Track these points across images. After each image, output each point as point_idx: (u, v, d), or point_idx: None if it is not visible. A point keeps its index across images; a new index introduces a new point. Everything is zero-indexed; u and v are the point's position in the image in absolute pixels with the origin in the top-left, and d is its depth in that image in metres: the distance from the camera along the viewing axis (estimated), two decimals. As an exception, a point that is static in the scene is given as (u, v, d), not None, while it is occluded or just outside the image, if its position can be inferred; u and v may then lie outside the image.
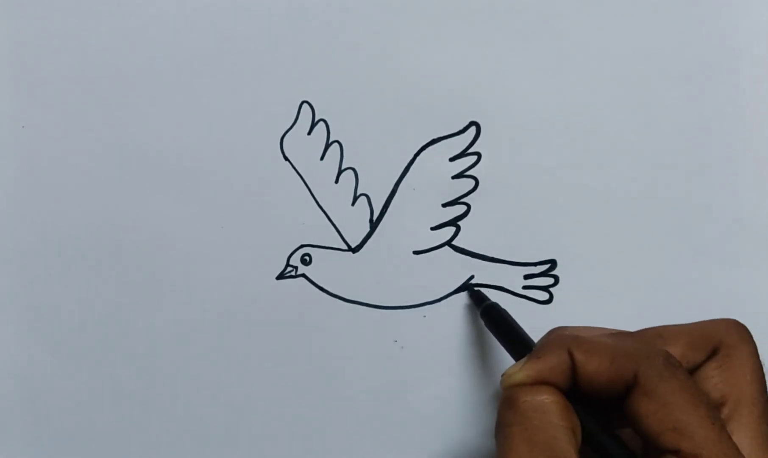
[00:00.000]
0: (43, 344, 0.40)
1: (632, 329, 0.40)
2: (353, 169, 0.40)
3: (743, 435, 0.31)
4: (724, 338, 0.33)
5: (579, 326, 0.36)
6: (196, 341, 0.40)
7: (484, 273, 0.40)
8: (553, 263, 0.40)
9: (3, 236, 0.40)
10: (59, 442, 0.40)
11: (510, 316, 0.38)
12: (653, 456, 0.30)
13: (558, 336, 0.33)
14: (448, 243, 0.40)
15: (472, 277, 0.40)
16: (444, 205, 0.40)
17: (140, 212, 0.40)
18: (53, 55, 0.40)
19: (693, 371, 0.33)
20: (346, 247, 0.40)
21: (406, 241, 0.40)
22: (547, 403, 0.31)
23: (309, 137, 0.40)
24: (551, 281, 0.40)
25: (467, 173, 0.40)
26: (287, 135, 0.40)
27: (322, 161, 0.40)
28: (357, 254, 0.40)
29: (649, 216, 0.40)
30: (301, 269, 0.40)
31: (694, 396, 0.30)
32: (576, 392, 0.32)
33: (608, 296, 0.40)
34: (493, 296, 0.40)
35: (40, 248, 0.40)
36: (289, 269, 0.40)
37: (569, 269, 0.40)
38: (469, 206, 0.40)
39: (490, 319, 0.38)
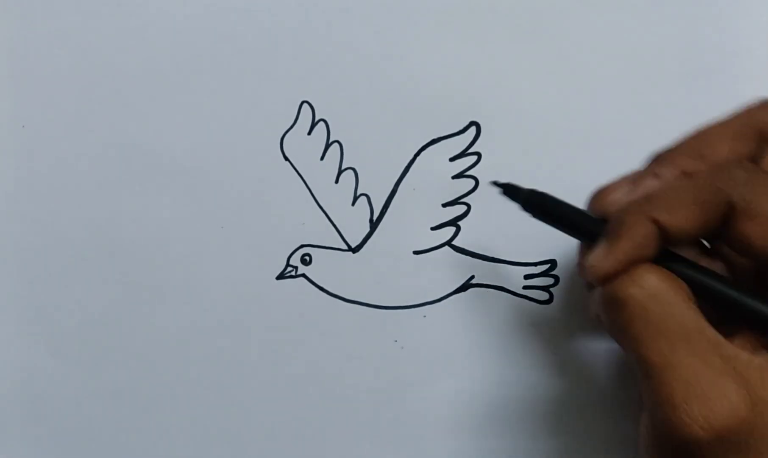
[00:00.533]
0: (43, 344, 0.40)
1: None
2: (353, 169, 0.40)
3: None
4: None
5: (617, 180, 0.32)
6: (196, 341, 0.40)
7: (484, 273, 0.40)
8: (553, 263, 0.40)
9: (3, 236, 0.40)
10: (59, 442, 0.40)
11: (554, 197, 0.34)
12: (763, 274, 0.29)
13: (632, 207, 0.30)
14: (448, 243, 0.40)
15: (472, 277, 0.40)
16: (444, 205, 0.40)
17: (140, 213, 0.40)
18: (53, 55, 0.40)
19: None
20: (346, 247, 0.40)
21: (406, 241, 0.40)
22: (656, 288, 0.29)
23: (309, 137, 0.40)
24: (551, 281, 0.40)
25: (467, 173, 0.40)
26: (287, 135, 0.40)
27: (322, 161, 0.40)
28: (357, 254, 0.40)
29: (649, 216, 0.40)
30: (301, 269, 0.40)
31: None
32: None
33: (608, 296, 0.40)
34: (493, 296, 0.40)
35: (40, 248, 0.40)
36: (289, 269, 0.40)
37: (569, 269, 0.40)
38: (469, 206, 0.40)
39: (536, 207, 0.34)
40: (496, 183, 0.35)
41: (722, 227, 0.29)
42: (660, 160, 0.32)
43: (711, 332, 0.28)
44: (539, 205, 0.34)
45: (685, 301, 0.29)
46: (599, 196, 0.33)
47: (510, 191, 0.35)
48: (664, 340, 0.28)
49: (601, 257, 0.30)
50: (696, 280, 0.30)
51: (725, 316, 0.30)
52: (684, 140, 0.32)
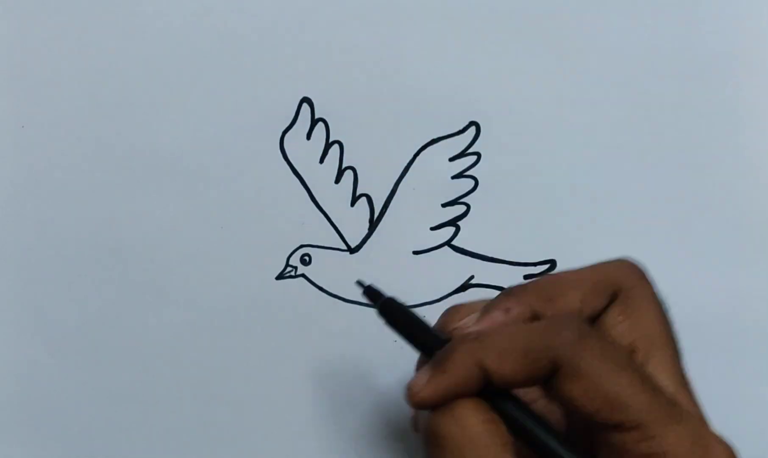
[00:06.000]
0: (43, 344, 0.40)
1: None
2: (353, 169, 0.40)
3: (662, 378, 0.30)
4: (622, 282, 0.31)
5: (476, 302, 0.32)
6: (196, 341, 0.40)
7: (484, 273, 0.40)
8: (553, 263, 0.40)
9: (3, 236, 0.40)
10: (59, 442, 0.40)
11: (410, 309, 0.34)
12: (594, 432, 0.29)
13: (462, 344, 0.30)
14: (448, 243, 0.40)
15: (472, 277, 0.40)
16: (444, 205, 0.40)
17: (140, 213, 0.40)
18: (53, 55, 0.40)
19: (596, 318, 0.31)
20: (345, 247, 0.40)
21: (405, 241, 0.40)
22: (473, 431, 0.29)
23: (309, 137, 0.40)
24: (551, 281, 0.40)
25: (467, 173, 0.40)
26: (287, 135, 0.40)
27: (321, 162, 0.40)
28: (356, 254, 0.40)
29: (649, 216, 0.40)
30: (301, 269, 0.40)
31: (617, 359, 0.28)
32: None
33: (608, 296, 0.40)
34: (492, 296, 0.40)
35: (40, 248, 0.40)
36: (289, 269, 0.40)
37: (569, 269, 0.40)
38: (469, 206, 0.40)
39: (389, 315, 0.34)
40: (360, 283, 0.35)
41: (549, 380, 0.29)
42: (510, 294, 0.32)
43: None
44: (392, 313, 0.34)
45: (501, 446, 0.29)
46: (449, 315, 0.33)
47: (370, 294, 0.35)
48: None
49: (421, 385, 0.30)
50: (518, 421, 0.30)
51: None
52: (539, 280, 0.33)
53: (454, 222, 0.40)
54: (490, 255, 0.40)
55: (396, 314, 0.34)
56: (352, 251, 0.40)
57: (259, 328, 0.40)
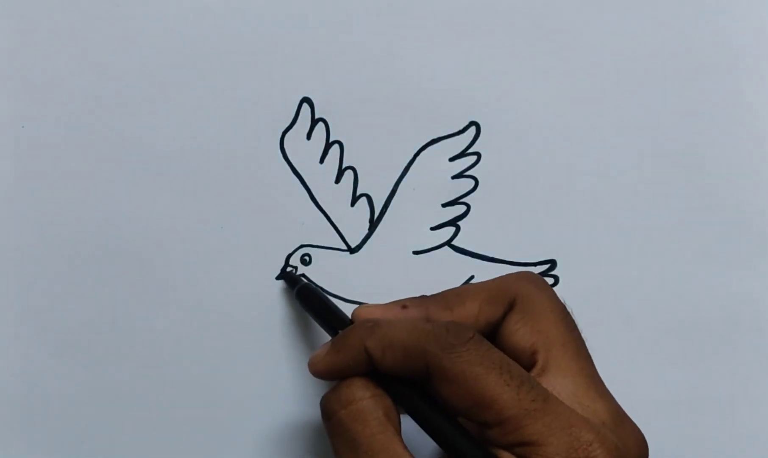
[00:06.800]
0: (43, 344, 0.40)
1: (631, 330, 0.40)
2: (353, 169, 0.40)
3: (564, 376, 0.32)
4: (518, 291, 0.34)
5: (378, 305, 0.35)
6: (196, 341, 0.40)
7: (484, 273, 0.40)
8: (553, 263, 0.40)
9: (3, 236, 0.40)
10: (59, 442, 0.40)
11: (325, 295, 0.38)
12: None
13: (357, 329, 0.33)
14: (448, 243, 0.40)
15: (472, 277, 0.40)
16: (444, 205, 0.40)
17: (140, 212, 0.40)
18: (53, 55, 0.40)
19: (497, 327, 0.34)
20: (345, 247, 0.40)
21: (405, 241, 0.40)
22: (361, 404, 0.32)
23: (309, 137, 0.40)
24: (551, 281, 0.40)
25: (467, 173, 0.40)
26: (287, 135, 0.40)
27: (321, 162, 0.40)
28: (357, 254, 0.40)
29: (649, 216, 0.40)
30: (301, 269, 0.40)
31: (485, 363, 0.30)
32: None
33: (608, 296, 0.40)
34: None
35: (40, 248, 0.40)
36: (289, 269, 0.40)
37: (569, 269, 0.40)
38: (469, 206, 0.40)
39: (305, 301, 0.38)
40: (284, 270, 0.40)
41: (427, 379, 0.32)
42: (416, 299, 0.35)
43: (398, 453, 0.31)
44: (307, 297, 0.38)
45: (381, 422, 0.32)
46: (363, 307, 0.36)
47: (289, 279, 0.39)
48: (353, 455, 0.32)
49: (319, 359, 0.34)
50: (406, 399, 0.32)
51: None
52: (444, 291, 0.36)
53: (454, 222, 0.40)
54: (490, 255, 0.40)
55: (310, 298, 0.37)
56: (352, 251, 0.40)
57: (259, 328, 0.40)
